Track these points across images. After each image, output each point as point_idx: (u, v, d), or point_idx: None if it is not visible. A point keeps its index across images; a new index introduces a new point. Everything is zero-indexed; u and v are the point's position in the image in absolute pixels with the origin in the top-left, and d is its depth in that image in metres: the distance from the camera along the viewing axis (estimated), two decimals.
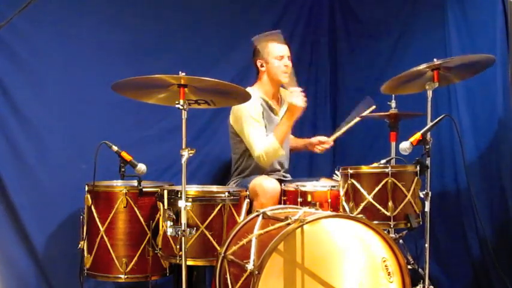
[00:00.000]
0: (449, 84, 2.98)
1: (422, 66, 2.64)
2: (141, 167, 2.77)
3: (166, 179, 3.31)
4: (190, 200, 2.46)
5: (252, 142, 3.16)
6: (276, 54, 3.24)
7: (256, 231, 2.20)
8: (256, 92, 3.24)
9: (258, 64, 3.31)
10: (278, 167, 3.39)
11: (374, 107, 3.18)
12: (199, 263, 2.57)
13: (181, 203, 2.29)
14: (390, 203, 2.58)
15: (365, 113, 3.17)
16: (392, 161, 2.88)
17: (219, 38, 3.79)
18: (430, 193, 2.63)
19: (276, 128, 3.19)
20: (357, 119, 3.22)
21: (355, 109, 3.24)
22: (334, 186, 2.84)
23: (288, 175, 3.46)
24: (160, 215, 2.69)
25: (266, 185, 2.93)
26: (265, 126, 3.24)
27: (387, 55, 3.85)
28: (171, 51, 3.57)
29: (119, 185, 2.84)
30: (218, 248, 2.41)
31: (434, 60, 2.65)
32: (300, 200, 2.87)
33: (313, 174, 3.71)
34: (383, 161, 2.78)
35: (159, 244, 2.68)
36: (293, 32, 4.10)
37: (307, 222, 2.08)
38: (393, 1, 3.85)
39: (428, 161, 2.62)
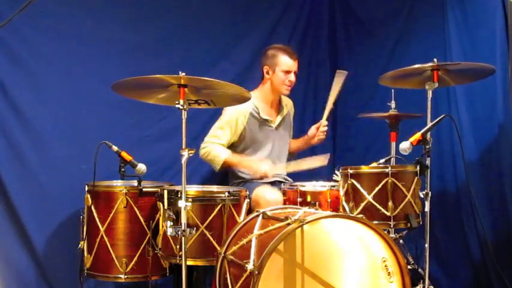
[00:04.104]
0: (448, 85, 2.98)
1: (423, 65, 2.64)
2: (141, 167, 2.77)
3: (166, 179, 3.31)
4: (190, 200, 2.46)
5: (209, 133, 3.27)
6: (284, 68, 3.29)
7: (256, 231, 2.21)
8: (254, 98, 3.23)
9: (264, 70, 3.35)
10: (278, 172, 3.39)
11: (347, 72, 3.25)
12: (199, 263, 2.57)
13: (181, 203, 2.28)
14: (390, 203, 2.58)
15: (342, 83, 3.24)
16: (392, 161, 2.88)
17: (219, 38, 3.79)
18: (430, 193, 2.63)
19: (236, 156, 3.25)
20: (337, 91, 3.27)
21: (333, 84, 3.29)
22: (334, 186, 2.84)
23: (289, 179, 3.45)
24: (160, 215, 2.69)
25: (269, 197, 2.94)
26: (244, 133, 3.29)
27: (387, 55, 3.85)
28: (171, 51, 3.57)
29: (119, 185, 2.84)
30: (218, 248, 2.41)
31: (435, 60, 2.65)
32: (299, 200, 2.87)
33: (313, 175, 3.71)
34: (383, 161, 2.78)
35: (159, 244, 2.68)
36: (293, 32, 4.10)
37: (307, 222, 2.08)
38: (393, 1, 3.85)
39: (428, 161, 2.62)
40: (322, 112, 3.42)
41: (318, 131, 3.39)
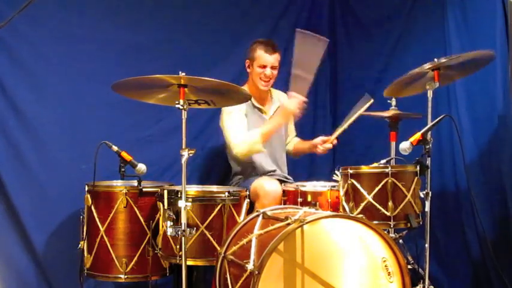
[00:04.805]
0: (450, 82, 2.98)
1: (423, 67, 2.64)
2: (141, 167, 2.77)
3: (166, 179, 3.31)
4: (190, 200, 2.46)
5: (229, 133, 3.23)
6: (260, 62, 3.30)
7: (256, 231, 2.21)
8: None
9: (246, 65, 3.39)
10: (274, 167, 3.39)
11: (372, 100, 3.13)
12: (199, 263, 2.57)
13: (181, 203, 2.29)
14: (390, 203, 2.58)
15: (363, 109, 3.13)
16: (392, 161, 2.88)
17: (219, 38, 3.80)
18: (430, 193, 2.63)
19: (263, 125, 3.24)
20: (356, 116, 3.18)
21: (354, 106, 3.21)
22: (334, 186, 2.84)
23: (290, 177, 3.46)
24: (160, 215, 2.69)
25: (267, 186, 2.94)
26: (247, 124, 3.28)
27: (387, 55, 3.84)
28: (171, 51, 3.57)
29: (118, 185, 2.85)
30: (218, 248, 2.41)
31: (435, 60, 2.65)
32: (300, 200, 2.87)
33: (313, 175, 3.71)
34: (383, 161, 2.78)
35: (159, 244, 2.68)
36: (293, 33, 4.09)
37: (307, 222, 2.08)
38: (393, 1, 3.85)
39: (428, 161, 2.62)
40: (333, 129, 3.37)
41: (323, 144, 3.30)
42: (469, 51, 3.20)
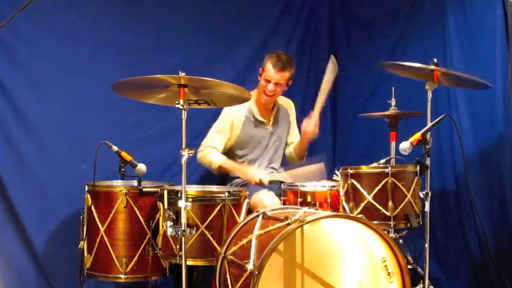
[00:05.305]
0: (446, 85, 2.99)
1: (424, 65, 2.65)
2: (141, 167, 2.78)
3: (166, 179, 3.31)
4: (190, 200, 2.46)
5: (205, 139, 3.32)
6: (265, 76, 3.26)
7: (256, 231, 2.21)
8: (251, 99, 3.22)
9: (259, 71, 3.33)
10: (274, 178, 3.40)
11: (334, 59, 3.19)
12: (199, 263, 2.57)
13: (181, 203, 2.28)
14: (390, 203, 2.58)
15: (333, 74, 3.17)
16: (392, 161, 2.88)
17: (219, 38, 3.79)
18: (430, 193, 2.63)
19: (231, 162, 3.28)
20: (330, 83, 3.19)
21: (325, 74, 3.21)
22: (334, 186, 2.84)
23: (288, 179, 3.45)
24: (160, 215, 2.69)
25: (266, 202, 2.95)
26: (240, 135, 3.32)
27: (387, 55, 3.84)
28: (171, 51, 3.57)
29: (119, 185, 2.84)
30: (218, 248, 2.41)
31: (435, 60, 2.66)
32: (299, 200, 2.87)
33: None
34: (383, 161, 2.78)
35: (159, 244, 2.68)
36: (293, 32, 4.10)
37: (307, 222, 2.08)
38: (393, 1, 3.85)
39: (428, 161, 2.62)
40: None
41: (308, 124, 3.28)
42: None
